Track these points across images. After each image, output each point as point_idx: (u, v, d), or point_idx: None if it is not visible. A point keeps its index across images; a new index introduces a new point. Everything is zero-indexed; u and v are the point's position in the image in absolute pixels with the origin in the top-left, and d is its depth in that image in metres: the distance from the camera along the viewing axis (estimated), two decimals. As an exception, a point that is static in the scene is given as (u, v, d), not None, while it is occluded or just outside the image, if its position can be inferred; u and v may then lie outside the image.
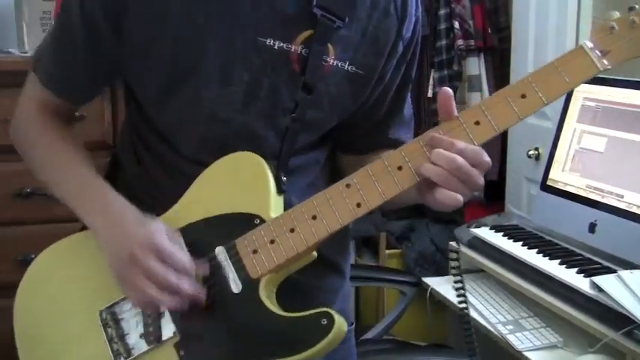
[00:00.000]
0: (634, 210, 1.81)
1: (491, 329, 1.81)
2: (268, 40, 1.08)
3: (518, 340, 1.73)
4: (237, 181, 1.10)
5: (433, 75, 2.77)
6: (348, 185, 1.04)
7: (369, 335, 2.41)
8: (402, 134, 1.24)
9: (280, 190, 1.10)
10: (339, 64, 1.12)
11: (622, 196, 1.85)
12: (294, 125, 1.11)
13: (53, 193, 1.19)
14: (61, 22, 1.18)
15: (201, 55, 1.08)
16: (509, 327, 1.80)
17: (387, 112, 1.22)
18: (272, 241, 1.06)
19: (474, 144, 0.99)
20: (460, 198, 0.99)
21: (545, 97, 0.98)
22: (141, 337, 1.10)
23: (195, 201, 1.12)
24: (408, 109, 1.25)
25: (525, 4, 2.57)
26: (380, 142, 1.23)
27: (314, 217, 1.04)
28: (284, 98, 1.11)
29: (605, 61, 0.97)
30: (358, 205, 1.03)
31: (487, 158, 1.00)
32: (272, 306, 1.06)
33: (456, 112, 1.01)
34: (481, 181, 1.00)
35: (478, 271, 2.12)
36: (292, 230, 1.05)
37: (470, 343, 1.12)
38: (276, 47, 1.09)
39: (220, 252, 1.08)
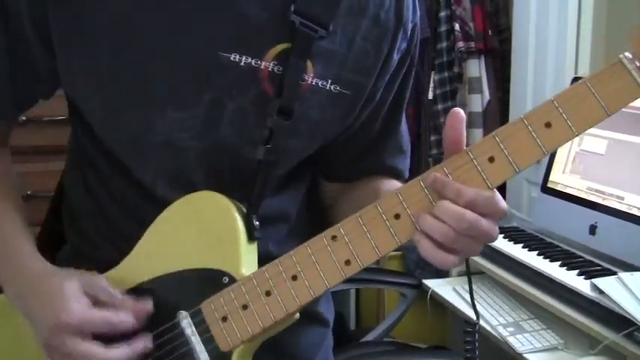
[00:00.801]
0: (634, 212, 1.80)
1: (492, 331, 1.81)
2: (233, 55, 0.89)
3: (518, 342, 1.73)
4: (200, 229, 0.91)
5: (433, 77, 2.77)
6: (334, 237, 0.84)
7: (369, 337, 2.40)
8: (397, 161, 1.07)
9: (252, 238, 0.91)
10: (320, 83, 0.92)
11: (622, 199, 1.85)
12: (268, 158, 0.91)
13: None
14: None
15: (148, 74, 0.89)
16: (510, 329, 1.80)
17: (379, 135, 1.04)
18: (244, 307, 0.88)
19: (489, 186, 0.79)
20: (450, 259, 0.81)
21: (576, 126, 0.77)
22: None
23: (151, 253, 0.93)
24: (404, 131, 1.07)
25: (526, 6, 2.56)
26: (370, 168, 1.06)
27: (294, 278, 0.86)
28: (253, 125, 0.91)
29: None
30: (347, 262, 0.84)
31: (503, 205, 0.80)
32: None
33: (464, 142, 0.81)
34: (496, 233, 0.81)
35: (478, 273, 2.12)
36: (268, 294, 0.87)
37: (472, 352, 1.04)
38: (242, 64, 0.89)
39: (184, 318, 0.90)
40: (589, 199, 1.94)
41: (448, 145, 0.81)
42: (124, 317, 0.88)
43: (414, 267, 2.91)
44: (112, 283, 0.91)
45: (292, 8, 0.89)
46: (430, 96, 2.78)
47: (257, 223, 0.91)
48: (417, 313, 2.44)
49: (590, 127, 0.78)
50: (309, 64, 0.91)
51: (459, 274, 2.19)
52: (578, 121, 0.77)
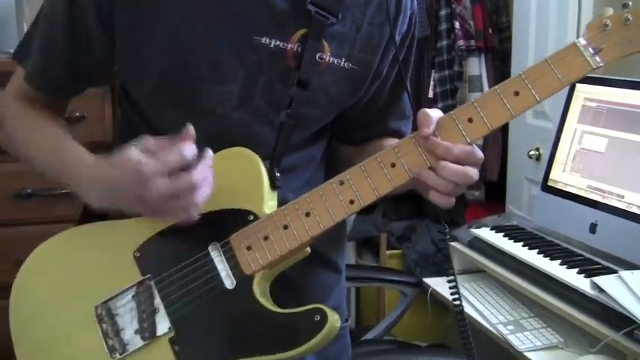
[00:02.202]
0: (634, 210, 1.80)
1: (492, 329, 1.81)
2: (264, 39, 1.09)
3: (518, 341, 1.73)
4: (231, 178, 1.09)
5: (434, 75, 2.77)
6: (341, 182, 1.05)
7: (369, 336, 2.41)
8: (400, 124, 1.26)
9: (274, 186, 1.10)
10: (336, 61, 1.13)
11: (623, 197, 1.85)
12: (288, 121, 1.11)
13: (41, 171, 1.18)
14: (46, 18, 1.17)
15: (198, 54, 1.09)
16: (510, 327, 1.80)
17: (385, 105, 1.23)
18: (265, 238, 1.07)
19: (467, 141, 1.01)
20: (453, 200, 1.04)
21: (539, 94, 0.99)
22: (136, 332, 1.11)
23: None
24: (406, 100, 1.26)
25: (526, 5, 2.56)
26: (378, 132, 1.25)
27: (307, 214, 1.06)
28: (279, 95, 1.11)
29: (598, 59, 0.97)
30: (351, 201, 1.04)
31: (480, 154, 1.03)
32: (266, 302, 1.07)
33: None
34: (477, 176, 1.02)
35: (478, 272, 2.12)
36: (286, 227, 1.06)
37: (465, 339, 1.14)
38: (272, 45, 1.10)
39: (214, 248, 1.09)
40: (589, 197, 1.94)
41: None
42: (187, 147, 0.99)
43: (414, 266, 2.92)
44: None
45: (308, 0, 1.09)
46: (430, 94, 2.79)
47: (278, 174, 1.10)
48: (417, 311, 2.44)
49: (549, 96, 0.99)
50: (326, 45, 1.11)
51: (459, 273, 2.19)
52: (540, 90, 0.99)
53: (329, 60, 1.12)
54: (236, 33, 1.09)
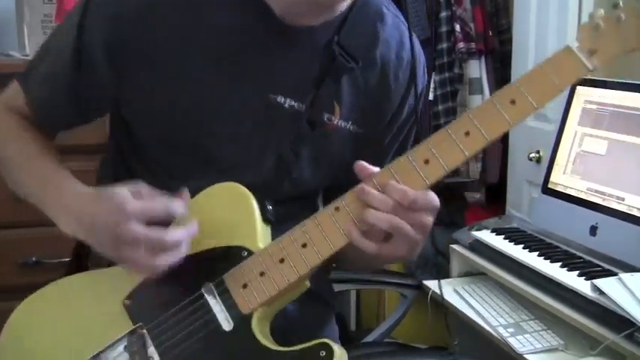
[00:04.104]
0: (635, 213, 1.80)
1: (492, 332, 1.81)
2: (279, 98, 1.09)
3: (519, 343, 1.73)
4: (222, 214, 1.06)
5: (434, 78, 2.77)
6: (337, 208, 1.00)
7: (369, 338, 2.41)
8: None
9: (267, 220, 1.07)
10: (343, 124, 1.12)
11: (623, 199, 1.85)
12: (287, 154, 1.11)
13: (23, 194, 1.15)
14: (55, 47, 1.14)
15: (215, 115, 1.08)
16: (510, 330, 1.80)
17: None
18: (262, 274, 1.02)
19: (465, 155, 0.96)
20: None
21: (536, 101, 0.96)
22: None
23: None
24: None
25: (526, 7, 2.56)
26: None
27: (304, 245, 1.01)
28: (286, 154, 1.10)
29: (594, 60, 0.96)
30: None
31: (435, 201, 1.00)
32: (267, 342, 1.02)
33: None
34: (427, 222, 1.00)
35: (479, 274, 2.12)
36: (282, 261, 1.01)
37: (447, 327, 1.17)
38: (286, 105, 1.09)
39: (208, 289, 1.05)
40: (589, 199, 1.94)
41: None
42: (177, 204, 0.99)
43: (414, 268, 2.91)
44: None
45: (336, 40, 1.09)
46: (431, 97, 2.78)
47: (270, 207, 1.07)
48: (417, 313, 2.44)
49: (547, 102, 0.96)
50: (336, 107, 1.11)
51: (459, 275, 2.19)
52: (537, 96, 0.95)
53: (337, 123, 1.12)
54: (253, 92, 1.08)
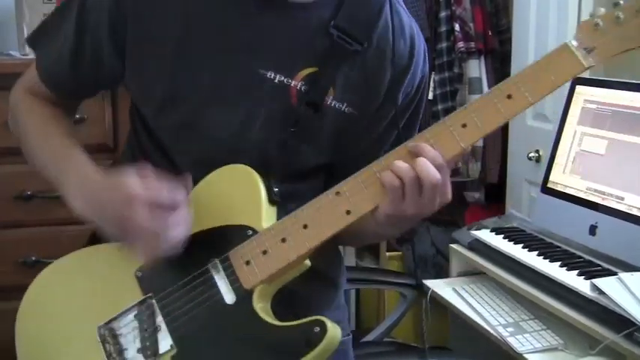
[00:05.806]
0: (634, 212, 1.80)
1: (492, 331, 1.81)
2: (269, 73, 1.11)
3: (518, 343, 1.73)
4: (230, 194, 1.11)
5: (434, 77, 2.77)
6: (337, 193, 1.05)
7: (369, 337, 2.41)
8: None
9: (273, 201, 1.11)
10: (337, 105, 1.14)
11: (622, 199, 1.85)
12: (291, 140, 1.13)
13: (43, 173, 1.20)
14: (62, 21, 1.21)
15: (201, 80, 1.11)
16: (510, 329, 1.80)
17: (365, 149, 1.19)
18: (264, 252, 1.07)
19: (461, 146, 1.01)
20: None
21: (532, 96, 0.99)
22: (138, 351, 1.11)
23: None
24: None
25: (526, 6, 2.57)
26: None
27: (305, 226, 1.06)
28: (278, 129, 1.13)
29: (591, 59, 0.97)
30: (348, 212, 1.04)
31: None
32: (266, 316, 1.07)
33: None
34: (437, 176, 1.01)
35: (478, 274, 2.12)
36: (284, 240, 1.06)
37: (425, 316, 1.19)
38: (276, 81, 1.11)
39: (214, 264, 1.10)
40: (589, 199, 1.94)
41: None
42: (179, 193, 1.03)
43: (413, 267, 2.92)
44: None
45: (332, 23, 1.11)
46: (430, 96, 2.78)
47: (276, 189, 1.11)
48: (416, 313, 2.44)
49: (542, 97, 0.98)
50: (331, 88, 1.12)
51: (459, 275, 2.19)
52: (533, 92, 0.98)
53: (330, 103, 1.13)
54: (240, 64, 1.11)
